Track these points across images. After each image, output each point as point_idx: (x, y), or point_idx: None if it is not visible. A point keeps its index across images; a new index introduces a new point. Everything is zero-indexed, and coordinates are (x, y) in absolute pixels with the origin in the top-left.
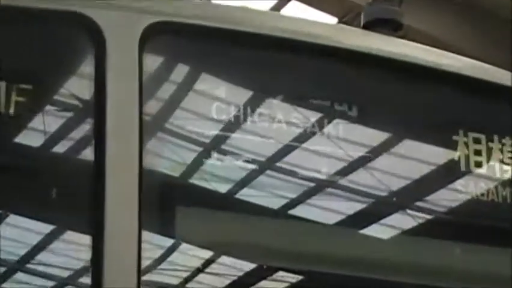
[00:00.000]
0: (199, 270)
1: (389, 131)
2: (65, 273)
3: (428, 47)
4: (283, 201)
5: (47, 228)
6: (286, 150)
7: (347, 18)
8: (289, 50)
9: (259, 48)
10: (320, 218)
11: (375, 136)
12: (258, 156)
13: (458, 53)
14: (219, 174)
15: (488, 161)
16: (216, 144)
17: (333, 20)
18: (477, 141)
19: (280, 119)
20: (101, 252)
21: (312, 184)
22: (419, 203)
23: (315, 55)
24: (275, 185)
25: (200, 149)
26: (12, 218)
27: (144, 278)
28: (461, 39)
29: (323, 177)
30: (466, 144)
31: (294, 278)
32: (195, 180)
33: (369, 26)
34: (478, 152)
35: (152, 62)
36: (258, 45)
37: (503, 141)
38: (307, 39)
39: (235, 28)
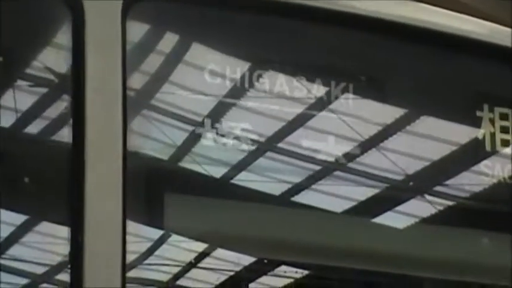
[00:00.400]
0: (192, 265)
1: (404, 106)
2: (41, 270)
3: (450, 12)
4: (286, 187)
5: (19, 218)
6: (290, 128)
7: None
8: (293, 15)
9: (258, 13)
10: (327, 205)
11: (388, 112)
12: (257, 135)
13: (488, 20)
14: (213, 156)
15: None
16: (210, 123)
17: None
18: (504, 117)
19: (282, 93)
20: (81, 245)
21: (318, 167)
22: (438, 188)
23: (321, 21)
24: (277, 168)
25: (192, 128)
26: None
27: (129, 274)
28: (493, 5)
29: (330, 159)
30: (492, 121)
31: (299, 272)
32: (186, 164)
33: None
34: (505, 130)
35: (137, 30)
36: (257, 10)
37: None
38: (314, 3)
39: None
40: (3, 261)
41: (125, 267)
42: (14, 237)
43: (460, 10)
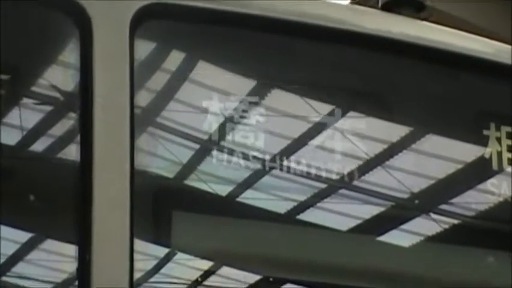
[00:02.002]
0: (198, 283)
1: (409, 124)
2: (47, 287)
3: (455, 31)
4: (292, 205)
5: (25, 236)
6: (296, 147)
7: None
8: (297, 34)
9: (264, 32)
10: (332, 224)
11: (394, 131)
12: (263, 154)
13: (491, 38)
14: (219, 175)
15: None
16: (217, 141)
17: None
18: (511, 136)
19: (288, 112)
20: (88, 263)
21: (323, 185)
22: (444, 206)
23: (326, 40)
24: (283, 187)
25: (199, 146)
26: None
27: None
28: (494, 22)
29: (335, 177)
30: (498, 140)
31: None
32: (193, 182)
33: (388, 7)
34: (511, 149)
35: (145, 48)
36: (262, 29)
37: None
38: (318, 22)
39: (237, 10)
40: (9, 279)
41: (132, 285)
42: (20, 255)
43: (463, 28)
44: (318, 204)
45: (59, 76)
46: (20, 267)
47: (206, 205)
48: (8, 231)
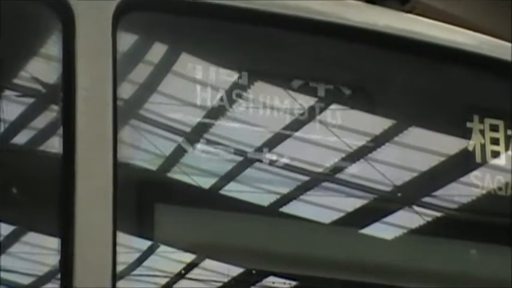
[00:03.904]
0: (181, 276)
1: (393, 117)
2: (29, 280)
3: (439, 23)
4: (275, 197)
5: (7, 229)
6: (279, 139)
7: None
8: (282, 26)
9: (248, 24)
10: (316, 216)
11: (377, 123)
12: (247, 146)
13: (475, 30)
14: (203, 167)
15: (506, 151)
16: (200, 134)
17: None
18: (494, 128)
19: (272, 105)
20: (71, 256)
21: (307, 178)
22: (427, 199)
23: (312, 32)
24: (267, 179)
25: (182, 139)
26: None
27: (119, 284)
28: (478, 14)
29: (319, 170)
30: (482, 132)
31: (287, 283)
32: (176, 175)
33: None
34: (495, 141)
35: (128, 40)
36: (246, 22)
37: None
38: (303, 14)
39: (220, 1)
40: None
41: (115, 278)
42: (2, 248)
43: (447, 21)
44: (301, 197)
45: (42, 68)
46: (2, 260)
47: (189, 198)
48: None
